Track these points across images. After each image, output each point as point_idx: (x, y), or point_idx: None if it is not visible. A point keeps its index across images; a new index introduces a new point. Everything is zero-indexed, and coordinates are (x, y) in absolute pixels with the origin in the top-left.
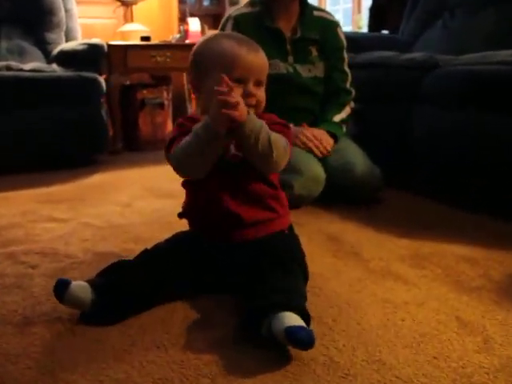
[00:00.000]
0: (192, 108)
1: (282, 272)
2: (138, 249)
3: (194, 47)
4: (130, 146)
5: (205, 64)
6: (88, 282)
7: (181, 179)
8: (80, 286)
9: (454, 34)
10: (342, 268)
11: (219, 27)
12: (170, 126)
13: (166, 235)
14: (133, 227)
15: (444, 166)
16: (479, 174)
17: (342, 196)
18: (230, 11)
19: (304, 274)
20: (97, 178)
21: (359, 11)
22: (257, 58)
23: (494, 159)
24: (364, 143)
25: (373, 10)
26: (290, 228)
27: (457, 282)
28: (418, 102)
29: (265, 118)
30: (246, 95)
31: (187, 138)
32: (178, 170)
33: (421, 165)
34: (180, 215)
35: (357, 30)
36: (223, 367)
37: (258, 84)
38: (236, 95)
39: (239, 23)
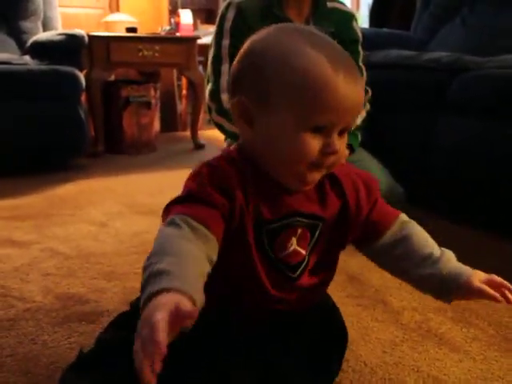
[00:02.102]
0: (182, 107)
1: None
2: (111, 289)
3: (254, 45)
4: (112, 148)
5: (270, 85)
6: None
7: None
8: None
9: (474, 32)
10: (370, 323)
11: (218, 15)
12: (156, 127)
13: None
14: (107, 257)
15: (473, 186)
16: None
17: None
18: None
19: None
20: (70, 188)
21: (358, 7)
22: (355, 92)
23: None
24: (377, 155)
25: (374, 7)
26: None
27: None
28: (443, 110)
29: (342, 173)
30: (325, 153)
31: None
32: None
33: (445, 185)
34: None
35: None
36: None
37: (343, 131)
38: None
39: (243, 11)
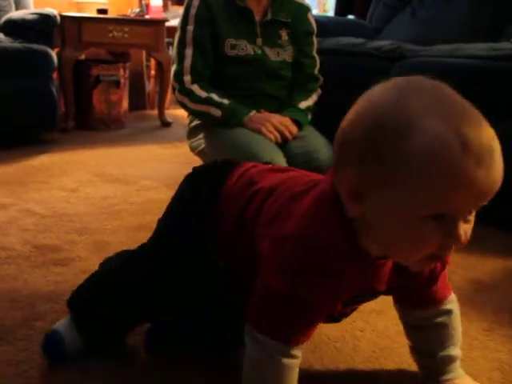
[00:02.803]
0: (150, 86)
1: None
2: (82, 241)
3: (370, 110)
4: (82, 124)
5: (387, 163)
6: (72, 318)
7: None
8: (71, 341)
9: (422, 23)
10: None
11: (185, 3)
12: (125, 105)
13: (114, 226)
14: (78, 216)
15: None
16: None
17: None
18: None
19: None
20: (43, 159)
21: None
22: (489, 176)
23: None
24: (324, 131)
25: None
26: None
27: None
28: None
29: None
30: (446, 242)
31: None
32: None
33: None
34: None
35: (323, 13)
36: None
37: (470, 213)
38: None
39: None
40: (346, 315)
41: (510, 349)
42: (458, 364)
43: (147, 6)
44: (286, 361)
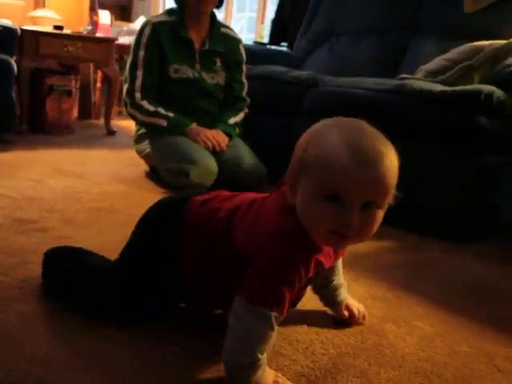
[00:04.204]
0: (96, 97)
1: None
2: (53, 217)
3: (303, 141)
4: (35, 128)
5: (303, 160)
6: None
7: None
8: None
9: (337, 57)
10: None
11: (138, 32)
12: (75, 113)
13: (77, 208)
14: (46, 200)
15: None
16: None
17: (232, 185)
18: (149, 17)
19: None
20: (6, 156)
21: (262, 22)
22: (370, 171)
23: None
24: (251, 143)
25: (275, 23)
26: None
27: None
28: (299, 114)
29: None
30: (342, 224)
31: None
32: None
33: None
34: None
35: (259, 39)
36: None
37: (367, 206)
38: None
39: (157, 30)
40: (299, 299)
41: (367, 289)
42: (344, 289)
43: (96, 23)
44: (272, 325)
